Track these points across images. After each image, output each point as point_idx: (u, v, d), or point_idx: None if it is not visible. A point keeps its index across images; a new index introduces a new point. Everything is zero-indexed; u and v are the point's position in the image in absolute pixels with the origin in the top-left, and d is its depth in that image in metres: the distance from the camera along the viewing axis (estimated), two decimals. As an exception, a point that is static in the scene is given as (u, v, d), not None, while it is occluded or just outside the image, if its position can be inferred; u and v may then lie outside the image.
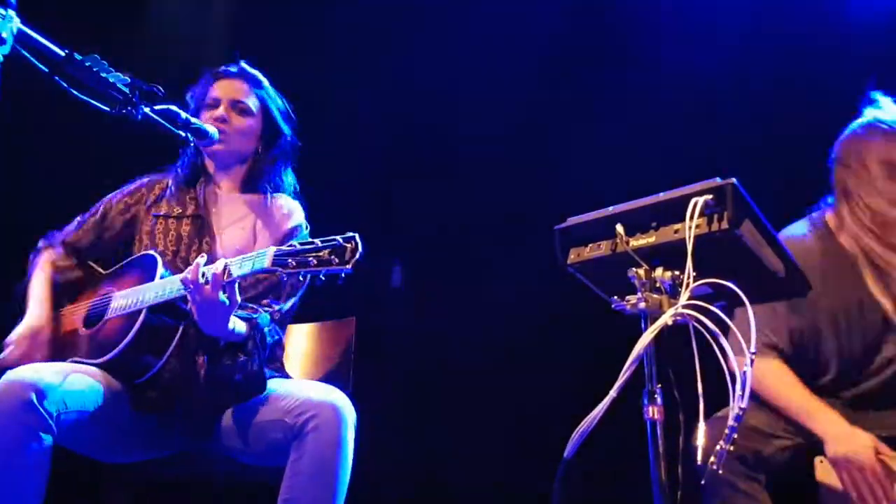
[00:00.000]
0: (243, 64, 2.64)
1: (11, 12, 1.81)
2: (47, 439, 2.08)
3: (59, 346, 2.44)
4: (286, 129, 2.65)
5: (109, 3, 3.97)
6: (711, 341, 1.55)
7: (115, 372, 2.30)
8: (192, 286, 2.13)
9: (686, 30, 3.68)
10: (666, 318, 1.56)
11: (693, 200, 1.58)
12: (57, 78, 1.94)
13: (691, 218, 1.56)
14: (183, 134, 2.32)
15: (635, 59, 3.71)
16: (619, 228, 1.66)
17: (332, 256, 1.99)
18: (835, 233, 2.47)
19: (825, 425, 2.30)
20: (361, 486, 2.25)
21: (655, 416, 1.59)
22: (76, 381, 2.18)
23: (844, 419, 2.31)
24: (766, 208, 1.64)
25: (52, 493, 2.11)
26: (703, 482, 2.11)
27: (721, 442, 1.52)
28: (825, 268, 2.40)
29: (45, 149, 3.70)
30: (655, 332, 1.56)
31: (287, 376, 2.54)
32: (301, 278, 2.01)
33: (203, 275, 2.13)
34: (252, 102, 2.59)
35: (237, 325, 2.29)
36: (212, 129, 2.42)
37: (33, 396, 2.06)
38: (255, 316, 2.35)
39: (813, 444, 2.32)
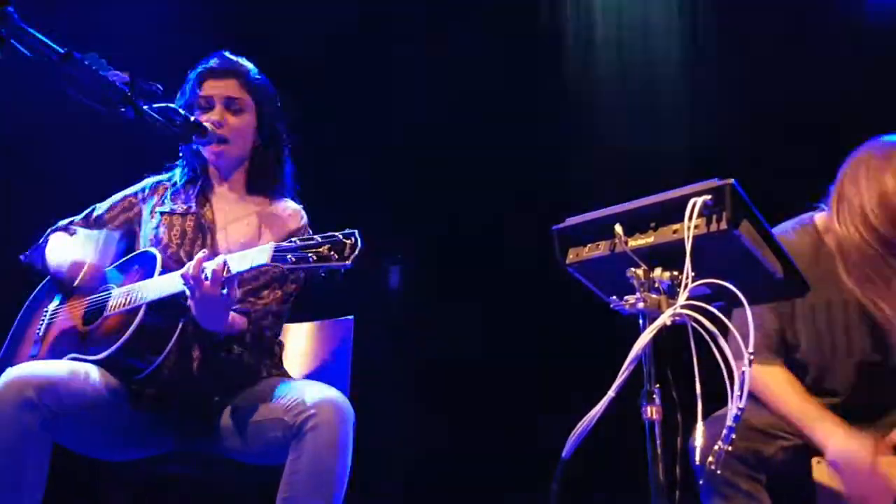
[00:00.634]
0: (228, 55, 2.59)
1: (9, 10, 1.80)
2: (47, 437, 2.08)
3: (58, 343, 2.44)
4: (280, 121, 2.64)
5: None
6: (710, 341, 1.55)
7: (113, 369, 2.30)
8: (192, 281, 2.14)
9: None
10: (664, 319, 1.55)
11: (692, 201, 1.57)
12: (56, 77, 1.94)
13: (690, 218, 1.56)
14: (183, 133, 2.31)
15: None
16: (618, 228, 1.66)
17: (332, 252, 1.99)
18: (822, 233, 2.47)
19: (823, 432, 2.28)
20: (359, 486, 2.25)
21: (654, 417, 1.58)
22: (76, 379, 2.19)
23: (842, 423, 2.30)
24: (765, 209, 1.64)
25: (52, 491, 2.11)
26: (701, 482, 2.11)
27: (719, 442, 1.52)
28: (807, 266, 2.39)
29: (45, 148, 3.70)
30: (654, 332, 1.56)
31: (286, 374, 2.54)
32: (301, 275, 2.01)
33: (203, 270, 2.13)
34: (245, 98, 2.57)
35: (235, 319, 2.29)
36: (211, 127, 2.42)
37: (34, 394, 2.07)
38: (251, 310, 2.35)
39: (814, 444, 2.32)
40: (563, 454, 1.59)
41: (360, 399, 2.32)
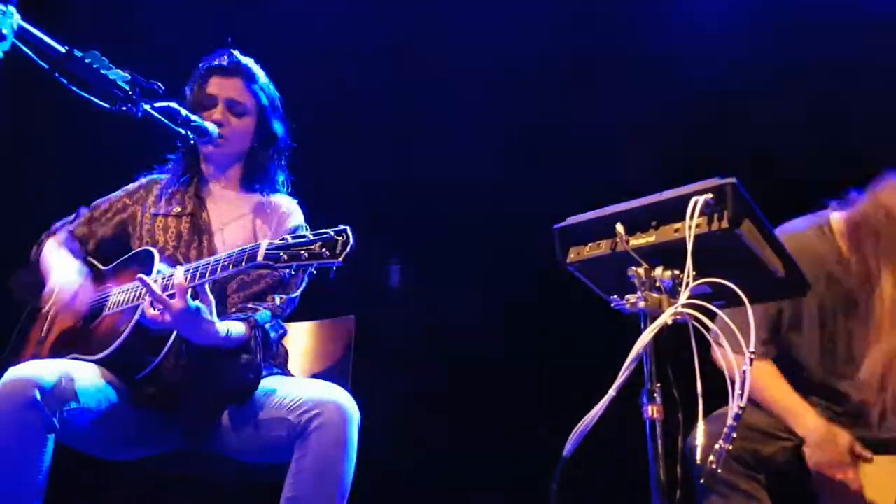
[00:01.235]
0: (237, 55, 2.59)
1: (12, 8, 1.80)
2: (50, 437, 2.07)
3: (59, 342, 2.44)
4: (280, 127, 2.64)
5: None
6: (711, 341, 1.55)
7: (113, 368, 2.29)
8: (161, 306, 2.12)
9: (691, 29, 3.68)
10: (665, 318, 1.56)
11: (693, 200, 1.57)
12: (57, 75, 1.94)
13: (691, 217, 1.56)
14: (183, 132, 2.31)
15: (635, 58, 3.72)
16: (619, 227, 1.66)
17: (324, 249, 1.97)
18: (836, 233, 2.47)
19: (805, 426, 2.36)
20: (361, 485, 2.25)
21: (654, 416, 1.59)
22: (78, 379, 2.18)
23: (824, 419, 2.37)
24: (766, 208, 1.64)
25: (54, 491, 2.11)
26: (701, 481, 2.12)
27: (720, 441, 1.52)
28: (818, 264, 2.40)
29: (45, 147, 3.70)
30: (655, 331, 1.56)
31: (289, 374, 2.54)
32: (293, 272, 2.00)
33: (166, 289, 2.12)
34: (248, 101, 2.57)
35: (233, 328, 2.27)
36: (212, 127, 2.42)
37: (36, 394, 2.06)
38: (252, 315, 2.34)
39: (798, 435, 2.38)
40: (564, 453, 1.59)
41: (360, 398, 2.32)
